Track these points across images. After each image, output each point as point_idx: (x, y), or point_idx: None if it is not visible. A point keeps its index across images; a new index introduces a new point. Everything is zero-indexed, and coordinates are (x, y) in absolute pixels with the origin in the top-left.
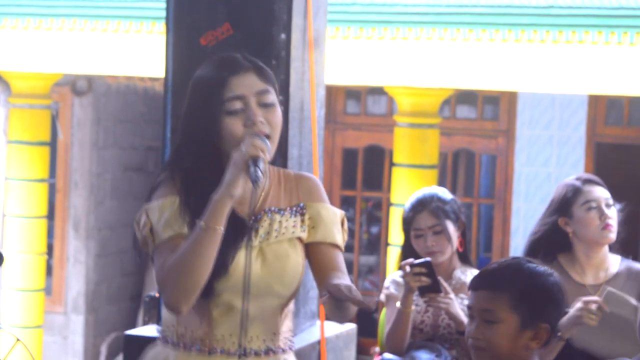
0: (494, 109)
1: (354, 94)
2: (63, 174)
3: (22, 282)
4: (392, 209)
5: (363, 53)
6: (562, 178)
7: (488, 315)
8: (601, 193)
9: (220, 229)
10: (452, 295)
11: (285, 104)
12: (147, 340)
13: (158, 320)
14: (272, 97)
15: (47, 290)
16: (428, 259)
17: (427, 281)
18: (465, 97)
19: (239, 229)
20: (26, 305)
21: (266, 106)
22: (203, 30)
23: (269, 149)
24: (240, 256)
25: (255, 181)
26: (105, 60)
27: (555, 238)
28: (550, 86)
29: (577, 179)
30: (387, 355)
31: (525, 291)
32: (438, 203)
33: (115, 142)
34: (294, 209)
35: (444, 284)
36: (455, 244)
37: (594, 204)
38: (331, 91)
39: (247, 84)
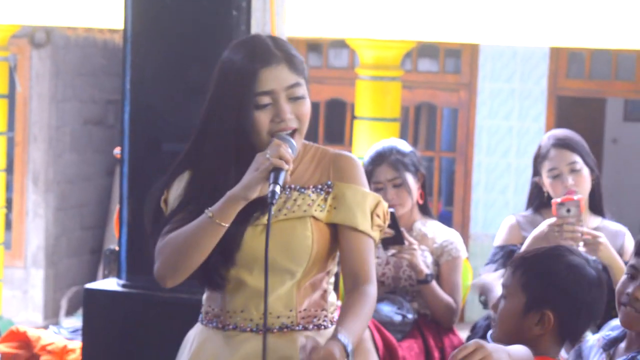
0: (456, 62)
1: (316, 46)
2: (22, 127)
3: None
4: None
5: (324, 5)
6: (523, 131)
7: (504, 289)
8: (567, 158)
9: (226, 225)
10: (415, 246)
11: None
12: (107, 294)
13: (118, 274)
14: (302, 89)
15: (7, 245)
16: (391, 209)
17: (391, 232)
18: (427, 50)
19: (249, 209)
20: None
21: (296, 100)
22: None
23: (295, 151)
24: (248, 233)
25: (271, 200)
26: (63, 11)
27: (540, 194)
28: (512, 39)
29: (551, 137)
30: None
31: (538, 273)
32: (397, 156)
33: (75, 95)
34: (319, 187)
35: (407, 235)
36: (416, 196)
37: (556, 172)
38: (292, 44)
39: (278, 78)
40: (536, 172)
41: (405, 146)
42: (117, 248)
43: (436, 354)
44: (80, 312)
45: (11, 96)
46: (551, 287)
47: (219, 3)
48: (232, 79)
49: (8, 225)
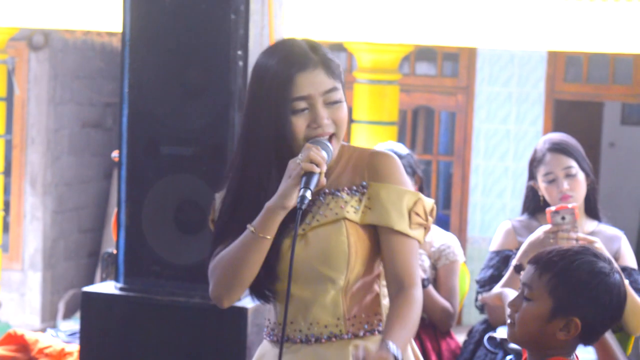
0: (454, 66)
1: None
2: (20, 129)
3: None
4: None
5: (322, 8)
6: (521, 135)
7: (527, 289)
8: (562, 162)
9: (269, 238)
10: None
11: (244, 59)
12: (105, 297)
13: (116, 277)
14: (339, 94)
15: (4, 247)
16: None
17: None
18: (425, 53)
19: (285, 220)
20: None
21: (332, 104)
22: None
23: (330, 153)
24: (286, 244)
25: (300, 205)
26: (62, 14)
27: (535, 198)
28: (510, 42)
29: (546, 142)
30: None
31: (567, 281)
32: None
33: (73, 98)
34: (354, 188)
35: None
36: None
37: (552, 177)
38: None
39: (315, 83)
40: (532, 176)
41: (402, 149)
42: (114, 251)
43: (433, 358)
44: (77, 315)
45: (9, 99)
46: (581, 296)
47: (218, 7)
48: (267, 85)
49: (6, 228)
